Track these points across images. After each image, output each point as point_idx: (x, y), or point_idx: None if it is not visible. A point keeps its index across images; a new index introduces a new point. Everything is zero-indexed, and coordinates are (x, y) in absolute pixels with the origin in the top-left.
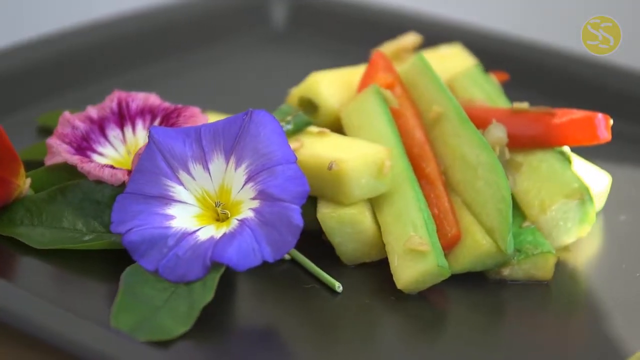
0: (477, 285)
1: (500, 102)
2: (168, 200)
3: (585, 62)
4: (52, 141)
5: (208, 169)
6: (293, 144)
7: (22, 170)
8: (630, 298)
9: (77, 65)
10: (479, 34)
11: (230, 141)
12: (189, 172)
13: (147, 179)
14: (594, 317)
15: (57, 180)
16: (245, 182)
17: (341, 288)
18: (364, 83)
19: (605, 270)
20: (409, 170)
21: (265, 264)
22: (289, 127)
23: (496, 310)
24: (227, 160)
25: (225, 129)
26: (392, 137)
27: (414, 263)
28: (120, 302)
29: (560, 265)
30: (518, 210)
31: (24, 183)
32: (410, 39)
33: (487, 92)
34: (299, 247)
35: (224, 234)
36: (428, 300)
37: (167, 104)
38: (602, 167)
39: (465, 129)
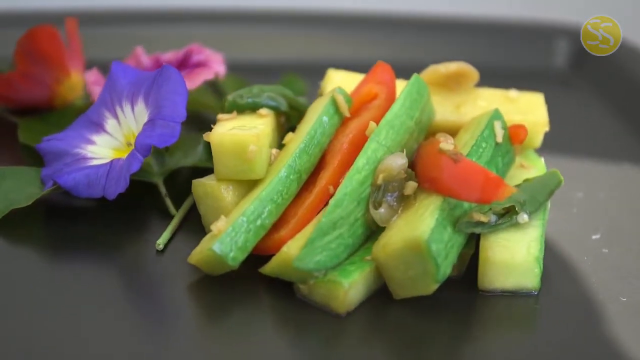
0: (285, 295)
1: (466, 149)
2: (99, 128)
3: None
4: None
5: (133, 110)
6: (227, 116)
7: (70, 81)
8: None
9: None
10: None
11: (147, 90)
12: (122, 110)
13: (97, 106)
14: None
15: None
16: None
17: (161, 247)
18: (357, 89)
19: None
20: (293, 168)
21: (160, 215)
22: (247, 101)
23: (272, 322)
24: (146, 106)
25: (148, 79)
26: (304, 137)
27: (204, 242)
28: None
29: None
30: None
31: (71, 94)
32: (450, 67)
33: (472, 136)
34: None
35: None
36: (214, 289)
37: (221, 67)
38: None
39: (366, 149)
